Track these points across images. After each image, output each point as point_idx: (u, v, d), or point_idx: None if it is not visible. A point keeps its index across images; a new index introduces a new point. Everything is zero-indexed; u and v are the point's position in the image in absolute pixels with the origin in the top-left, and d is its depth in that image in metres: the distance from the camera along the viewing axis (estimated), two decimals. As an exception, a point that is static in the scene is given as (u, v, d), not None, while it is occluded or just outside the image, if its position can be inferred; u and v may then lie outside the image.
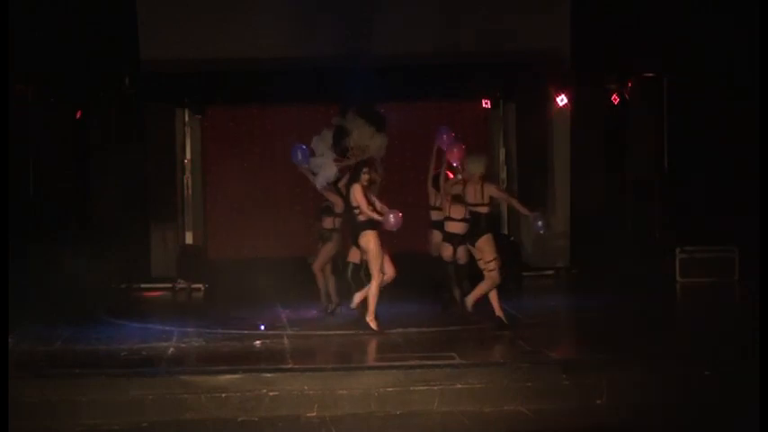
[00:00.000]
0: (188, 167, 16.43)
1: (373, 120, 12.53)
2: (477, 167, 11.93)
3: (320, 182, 12.67)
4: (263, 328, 12.07)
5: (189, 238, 16.43)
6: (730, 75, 15.25)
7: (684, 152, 16.04)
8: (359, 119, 12.51)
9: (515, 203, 12.53)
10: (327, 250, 13.03)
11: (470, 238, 11.99)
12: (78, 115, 15.87)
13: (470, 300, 11.98)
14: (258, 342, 11.41)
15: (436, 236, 12.83)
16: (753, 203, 11.98)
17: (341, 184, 12.62)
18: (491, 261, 11.76)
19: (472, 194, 11.90)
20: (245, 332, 11.93)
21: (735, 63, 15.02)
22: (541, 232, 12.72)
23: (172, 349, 11.09)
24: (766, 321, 9.63)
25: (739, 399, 9.29)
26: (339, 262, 12.92)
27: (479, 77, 16.02)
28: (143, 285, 16.02)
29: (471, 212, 12.01)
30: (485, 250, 11.79)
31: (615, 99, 16.30)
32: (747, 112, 14.21)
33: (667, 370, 9.89)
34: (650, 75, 16.13)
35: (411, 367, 9.84)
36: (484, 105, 16.58)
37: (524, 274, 16.25)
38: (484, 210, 11.88)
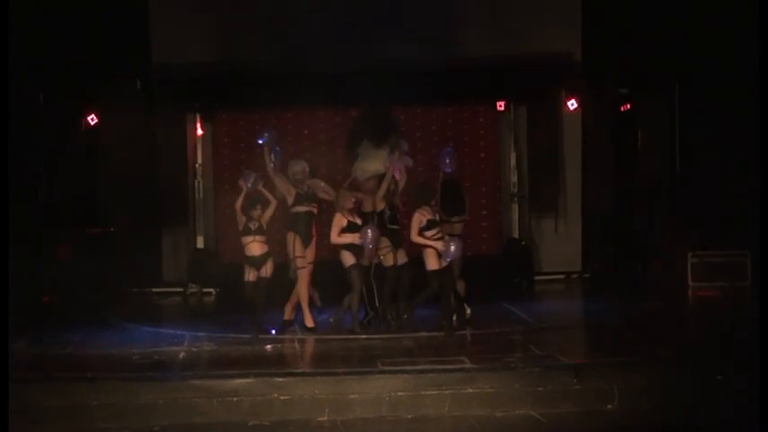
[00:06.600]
0: (199, 171, 16.45)
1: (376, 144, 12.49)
2: None
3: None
4: (273, 332, 12.05)
5: (200, 243, 16.46)
6: (740, 80, 15.20)
7: (696, 156, 16.00)
8: (366, 146, 12.48)
9: None
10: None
11: None
12: (90, 119, 15.91)
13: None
14: (269, 346, 11.43)
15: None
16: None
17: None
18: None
19: None
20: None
21: (745, 69, 14.98)
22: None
23: (183, 353, 11.11)
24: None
25: (750, 403, 9.26)
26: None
27: (491, 81, 16.02)
28: (154, 289, 16.04)
29: None
30: None
31: (625, 106, 16.26)
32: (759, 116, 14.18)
33: (679, 375, 9.87)
34: (661, 79, 16.09)
35: (422, 371, 9.85)
36: (498, 108, 16.59)
37: (536, 278, 16.25)
38: None
